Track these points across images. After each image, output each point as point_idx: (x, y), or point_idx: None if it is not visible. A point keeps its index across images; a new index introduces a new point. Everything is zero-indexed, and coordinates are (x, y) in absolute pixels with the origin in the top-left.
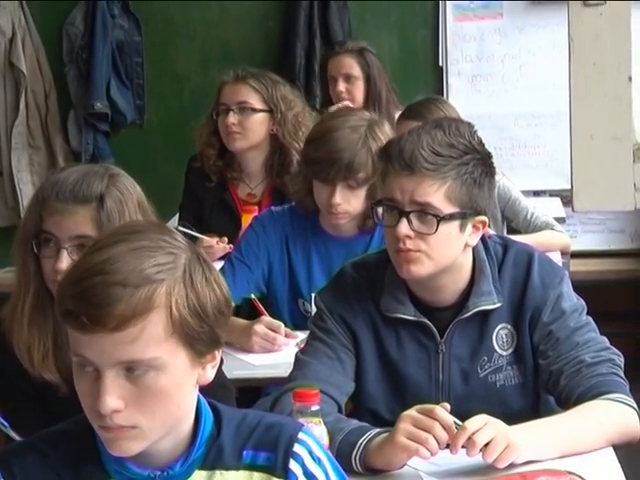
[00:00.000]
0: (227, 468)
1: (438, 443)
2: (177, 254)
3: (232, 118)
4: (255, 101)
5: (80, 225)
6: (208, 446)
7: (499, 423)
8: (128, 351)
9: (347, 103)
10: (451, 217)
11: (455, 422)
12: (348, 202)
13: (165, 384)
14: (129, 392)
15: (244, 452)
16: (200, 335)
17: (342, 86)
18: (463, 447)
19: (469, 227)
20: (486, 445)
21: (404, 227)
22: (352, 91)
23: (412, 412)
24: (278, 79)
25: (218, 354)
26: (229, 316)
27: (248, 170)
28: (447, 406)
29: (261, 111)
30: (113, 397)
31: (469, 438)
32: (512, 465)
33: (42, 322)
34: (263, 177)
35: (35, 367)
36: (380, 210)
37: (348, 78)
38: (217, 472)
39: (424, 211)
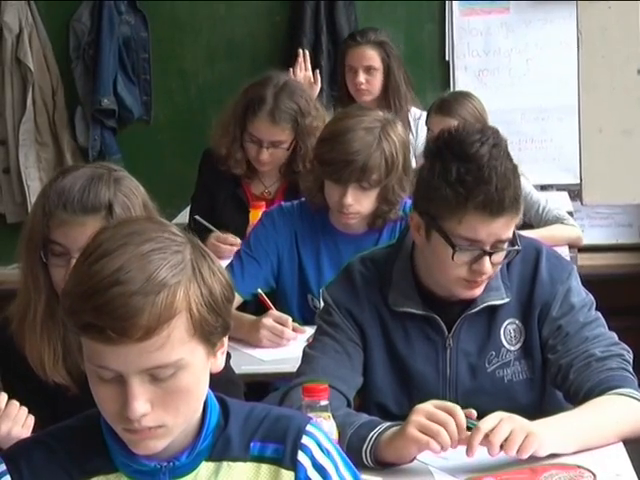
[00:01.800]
0: (234, 459)
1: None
2: (182, 250)
3: (265, 155)
4: (288, 138)
5: (89, 235)
6: (215, 437)
7: (514, 416)
8: (154, 357)
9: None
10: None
11: (470, 422)
12: (359, 203)
13: (187, 382)
14: (154, 394)
15: (251, 444)
16: (216, 329)
17: (362, 77)
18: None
19: None
20: (506, 440)
21: (488, 265)
22: (371, 82)
23: (427, 405)
24: (308, 104)
25: (226, 339)
26: (233, 300)
27: (263, 173)
28: (473, 412)
29: (291, 144)
30: (141, 402)
31: (487, 438)
32: (532, 459)
33: (52, 328)
34: (278, 177)
35: (47, 373)
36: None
37: (368, 69)
38: (224, 463)
39: (503, 246)
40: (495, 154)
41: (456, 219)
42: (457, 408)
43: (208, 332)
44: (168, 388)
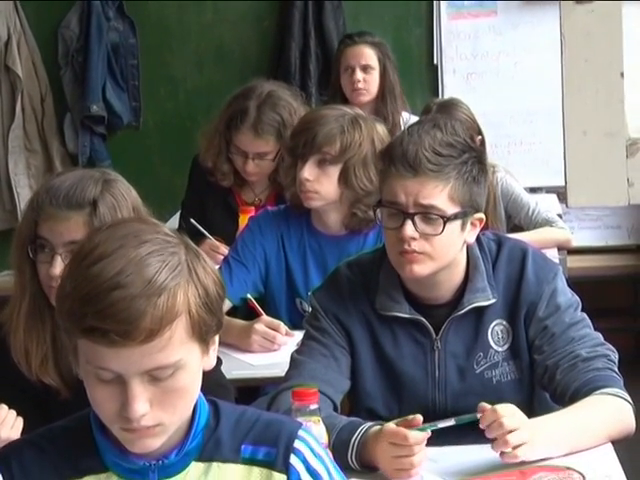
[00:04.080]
0: (225, 461)
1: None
2: (178, 252)
3: (251, 166)
4: (273, 149)
5: (73, 231)
6: (205, 438)
7: (525, 420)
8: (156, 359)
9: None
10: (455, 217)
11: (428, 427)
12: (318, 181)
13: (185, 381)
14: (153, 394)
15: (242, 446)
16: (212, 327)
17: (359, 75)
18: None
19: (468, 225)
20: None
21: (409, 229)
22: (368, 81)
23: (385, 445)
24: (291, 116)
25: (217, 337)
26: (225, 297)
27: (253, 181)
28: (419, 418)
29: (277, 154)
30: (142, 402)
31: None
32: (522, 462)
33: (40, 326)
34: (267, 185)
35: (33, 371)
36: (380, 212)
37: (365, 68)
38: (214, 464)
39: (429, 213)
40: (427, 130)
41: (384, 187)
42: (411, 436)
43: (205, 332)
44: (166, 387)
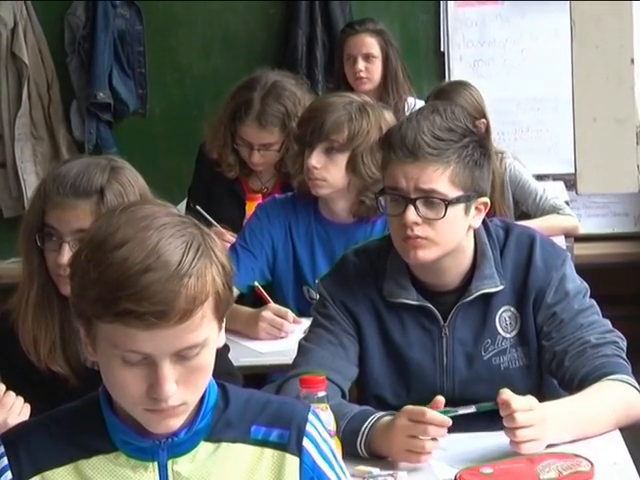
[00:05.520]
0: (234, 441)
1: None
2: (194, 232)
3: (256, 157)
4: (277, 140)
5: (80, 219)
6: (215, 419)
7: (540, 417)
8: (187, 339)
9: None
10: (457, 201)
11: (449, 411)
12: (326, 169)
13: (207, 358)
14: (180, 373)
15: (252, 427)
16: (229, 305)
17: (361, 65)
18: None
19: (472, 209)
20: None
21: (412, 214)
22: (370, 70)
23: (404, 420)
24: (295, 107)
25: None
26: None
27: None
28: (441, 400)
29: (282, 145)
30: (172, 382)
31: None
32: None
33: (48, 314)
34: (274, 173)
35: (42, 359)
36: (383, 200)
37: (367, 57)
38: (224, 444)
39: (430, 197)
40: (425, 115)
41: (386, 174)
42: (429, 412)
43: (224, 309)
44: (192, 366)
